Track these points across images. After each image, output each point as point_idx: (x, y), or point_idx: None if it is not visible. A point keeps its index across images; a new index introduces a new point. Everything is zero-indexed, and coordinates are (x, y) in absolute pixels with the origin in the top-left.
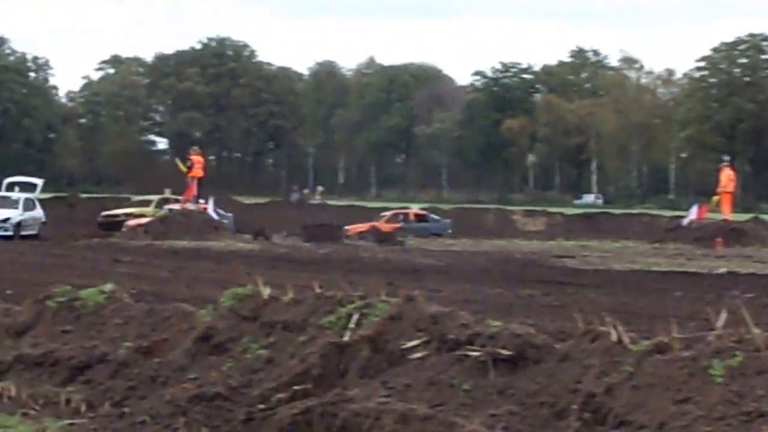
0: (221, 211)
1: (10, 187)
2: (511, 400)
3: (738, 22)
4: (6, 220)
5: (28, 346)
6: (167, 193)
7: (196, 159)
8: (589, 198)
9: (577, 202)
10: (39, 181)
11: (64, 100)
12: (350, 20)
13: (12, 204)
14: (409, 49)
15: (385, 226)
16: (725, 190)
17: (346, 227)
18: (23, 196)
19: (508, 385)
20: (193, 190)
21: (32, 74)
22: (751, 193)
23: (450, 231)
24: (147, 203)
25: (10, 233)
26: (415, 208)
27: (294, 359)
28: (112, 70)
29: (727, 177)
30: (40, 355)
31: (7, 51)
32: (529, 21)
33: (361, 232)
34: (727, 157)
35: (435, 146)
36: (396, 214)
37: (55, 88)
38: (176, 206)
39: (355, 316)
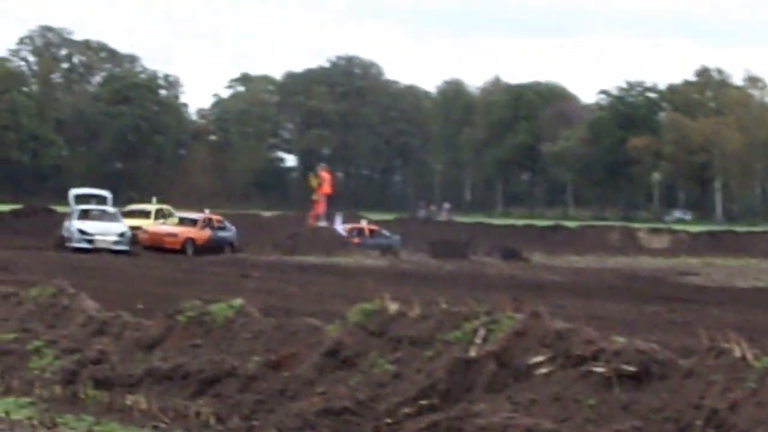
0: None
1: (82, 199)
2: (635, 415)
3: None
4: (122, 234)
5: (158, 360)
6: (154, 202)
7: (325, 176)
8: (676, 214)
9: (666, 218)
10: (108, 194)
11: (194, 117)
12: (476, 39)
13: (113, 218)
14: (534, 68)
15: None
16: None
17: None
18: (112, 209)
19: (633, 401)
20: (322, 206)
21: (163, 92)
22: None
23: (401, 246)
24: (144, 213)
25: (127, 248)
26: (364, 224)
27: (420, 374)
28: (242, 88)
29: None
30: (171, 368)
31: (139, 69)
32: (654, 40)
33: None
34: None
35: (561, 164)
36: (352, 230)
37: (185, 105)
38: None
39: (481, 332)
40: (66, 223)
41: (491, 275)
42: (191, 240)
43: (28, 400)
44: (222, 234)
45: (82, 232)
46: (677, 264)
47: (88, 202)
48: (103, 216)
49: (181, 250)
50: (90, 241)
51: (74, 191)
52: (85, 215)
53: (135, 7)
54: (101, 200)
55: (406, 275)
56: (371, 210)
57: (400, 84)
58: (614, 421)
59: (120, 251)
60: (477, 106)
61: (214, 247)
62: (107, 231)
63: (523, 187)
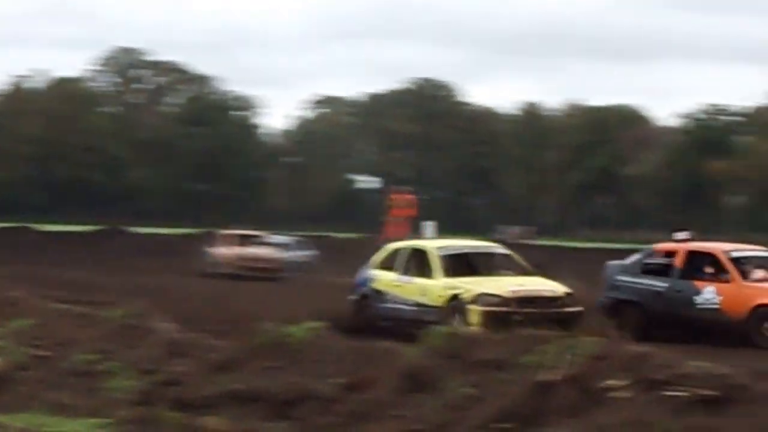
0: None
1: None
2: None
3: None
4: None
5: (236, 382)
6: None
7: (398, 198)
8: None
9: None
10: None
11: (272, 139)
12: (554, 62)
13: None
14: (610, 91)
15: None
16: None
17: None
18: None
19: (712, 427)
20: (392, 228)
21: (240, 113)
22: None
23: None
24: None
25: None
26: None
27: (498, 397)
28: (320, 110)
29: None
30: (248, 390)
31: (215, 89)
32: (728, 66)
33: None
34: None
35: (640, 187)
36: None
37: (262, 126)
38: None
39: (568, 357)
40: None
41: None
42: None
43: (107, 420)
44: None
45: None
46: None
47: None
48: None
49: None
50: None
51: None
52: None
53: (210, 28)
54: None
55: None
56: (452, 232)
57: (478, 106)
58: None
59: None
60: (555, 129)
61: None
62: None
63: (600, 210)
